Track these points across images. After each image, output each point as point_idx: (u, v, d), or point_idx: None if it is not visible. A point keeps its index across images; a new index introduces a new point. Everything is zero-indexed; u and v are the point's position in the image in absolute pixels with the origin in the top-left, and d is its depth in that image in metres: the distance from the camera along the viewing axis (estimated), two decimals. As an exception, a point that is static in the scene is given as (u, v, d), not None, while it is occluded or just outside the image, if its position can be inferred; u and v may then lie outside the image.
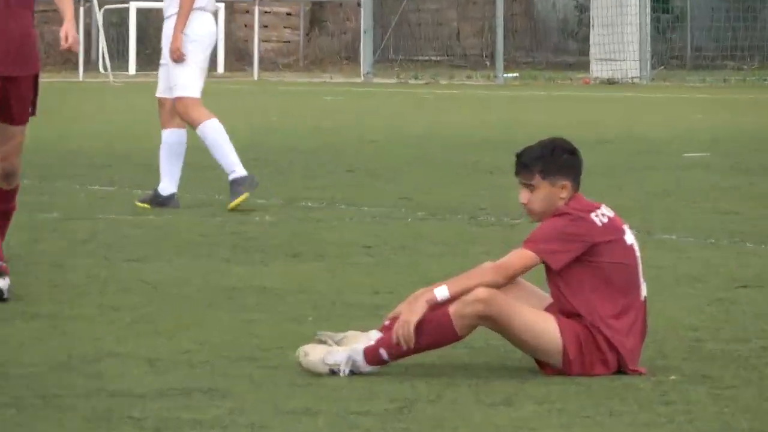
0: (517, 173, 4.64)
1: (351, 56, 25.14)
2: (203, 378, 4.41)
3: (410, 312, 4.46)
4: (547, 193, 4.55)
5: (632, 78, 22.88)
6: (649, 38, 22.12)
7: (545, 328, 4.44)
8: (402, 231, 8.58)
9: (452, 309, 4.46)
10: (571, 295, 4.49)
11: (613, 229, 4.55)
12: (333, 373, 4.46)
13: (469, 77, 24.76)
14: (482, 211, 9.21)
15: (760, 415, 3.97)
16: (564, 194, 4.55)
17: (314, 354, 4.51)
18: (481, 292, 4.41)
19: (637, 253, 4.60)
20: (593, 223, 4.51)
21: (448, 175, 11.69)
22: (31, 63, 6.04)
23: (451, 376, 4.54)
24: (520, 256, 4.51)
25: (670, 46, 25.17)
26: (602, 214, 4.56)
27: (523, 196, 4.61)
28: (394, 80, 24.15)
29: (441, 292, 4.47)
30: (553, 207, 4.56)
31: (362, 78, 23.98)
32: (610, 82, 23.45)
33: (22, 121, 6.04)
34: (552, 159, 4.57)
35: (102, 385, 4.26)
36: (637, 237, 4.69)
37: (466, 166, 12.31)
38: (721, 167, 12.42)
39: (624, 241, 4.56)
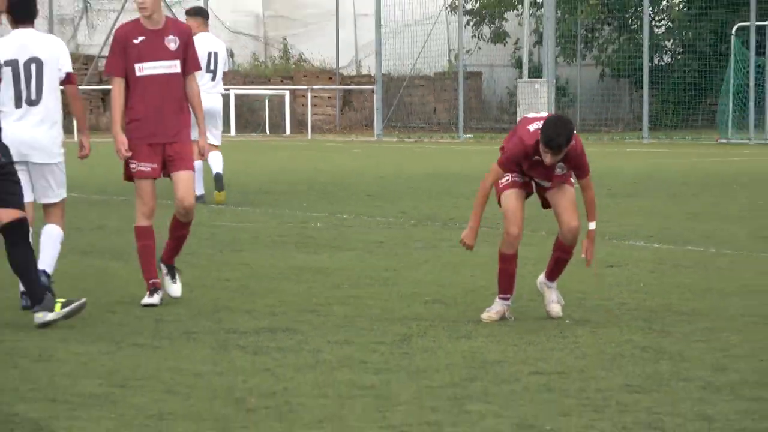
0: (556, 153, 6.56)
1: (369, 124, 35.79)
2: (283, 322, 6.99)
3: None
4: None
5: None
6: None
7: None
8: (400, 232, 11.76)
9: None
10: None
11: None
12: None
13: (441, 137, 34.09)
14: (451, 220, 12.47)
15: (621, 342, 6.43)
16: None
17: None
18: None
19: None
20: None
21: (430, 197, 15.49)
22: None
23: (431, 321, 7.00)
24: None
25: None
26: None
27: (552, 159, 6.64)
28: (395, 139, 33.57)
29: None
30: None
31: (375, 138, 33.34)
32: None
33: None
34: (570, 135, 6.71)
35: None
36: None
37: (441, 191, 16.25)
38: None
39: None
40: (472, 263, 8.98)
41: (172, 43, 7.58)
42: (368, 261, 9.73)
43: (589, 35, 36.66)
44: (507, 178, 6.97)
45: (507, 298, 7.03)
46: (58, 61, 7.55)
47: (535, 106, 29.57)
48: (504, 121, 34.85)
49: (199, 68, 8.10)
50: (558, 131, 6.65)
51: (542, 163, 6.82)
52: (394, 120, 35.58)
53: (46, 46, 7.58)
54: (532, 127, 6.83)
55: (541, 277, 7.25)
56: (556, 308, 7.12)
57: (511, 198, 6.98)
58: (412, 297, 7.91)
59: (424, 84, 36.99)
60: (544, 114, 7.10)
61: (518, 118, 29.65)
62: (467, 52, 34.76)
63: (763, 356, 6.13)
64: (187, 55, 7.64)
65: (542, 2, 32.44)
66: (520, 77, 33.21)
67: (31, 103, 7.46)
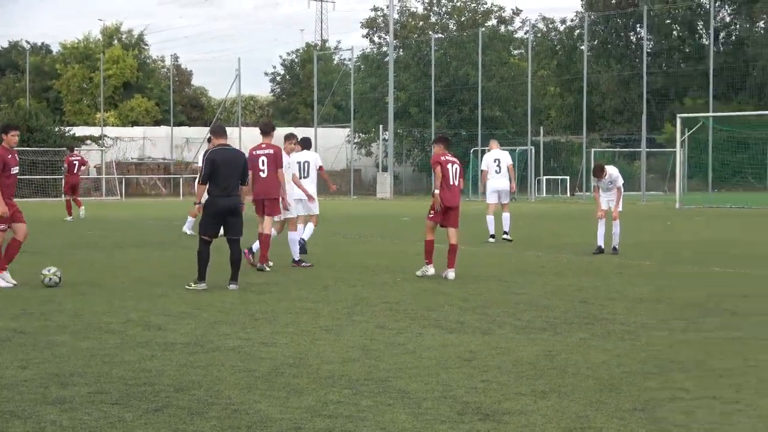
0: (447, 146, 15.78)
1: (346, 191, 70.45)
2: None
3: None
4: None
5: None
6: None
7: None
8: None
9: None
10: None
11: (439, 160, 15.52)
12: None
13: (327, 198, 56.57)
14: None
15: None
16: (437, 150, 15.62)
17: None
18: None
19: (449, 167, 15.39)
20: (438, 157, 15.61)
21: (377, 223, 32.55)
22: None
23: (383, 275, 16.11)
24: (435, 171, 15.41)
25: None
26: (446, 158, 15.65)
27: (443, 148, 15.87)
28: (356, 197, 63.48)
29: None
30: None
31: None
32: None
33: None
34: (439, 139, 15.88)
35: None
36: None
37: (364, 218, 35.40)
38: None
39: (445, 164, 15.37)
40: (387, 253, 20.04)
41: None
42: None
43: (412, 149, 73.10)
44: (432, 213, 15.31)
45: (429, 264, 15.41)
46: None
47: (384, 185, 63.67)
48: (372, 190, 69.16)
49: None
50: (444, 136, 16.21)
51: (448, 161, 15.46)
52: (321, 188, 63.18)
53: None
54: (441, 157, 15.37)
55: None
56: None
57: (429, 226, 15.56)
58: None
59: (338, 173, 70.21)
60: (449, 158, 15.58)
61: (377, 192, 65.68)
62: (355, 160, 73.47)
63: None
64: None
65: (387, 137, 66.85)
66: (378, 171, 68.43)
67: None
